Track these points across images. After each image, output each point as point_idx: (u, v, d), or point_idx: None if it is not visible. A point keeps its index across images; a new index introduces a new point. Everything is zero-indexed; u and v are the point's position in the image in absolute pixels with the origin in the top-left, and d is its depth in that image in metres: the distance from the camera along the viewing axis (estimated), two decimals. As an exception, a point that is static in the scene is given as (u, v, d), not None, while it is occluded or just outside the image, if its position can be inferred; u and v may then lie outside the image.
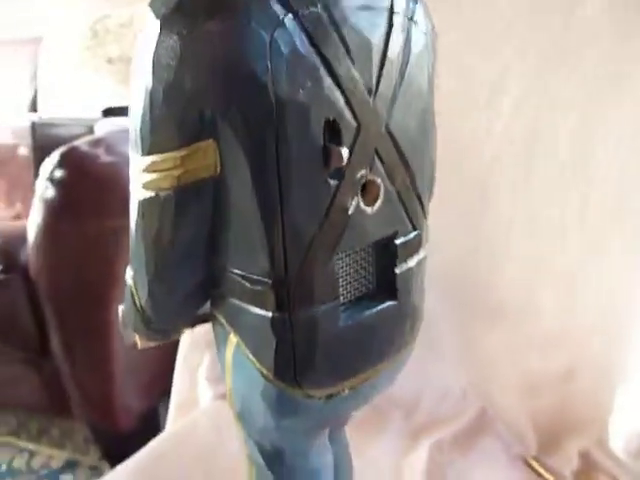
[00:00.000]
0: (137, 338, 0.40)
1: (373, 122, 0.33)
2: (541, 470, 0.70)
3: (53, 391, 1.10)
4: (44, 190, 0.95)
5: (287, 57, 0.29)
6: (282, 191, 0.30)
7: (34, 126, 1.16)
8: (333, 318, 0.34)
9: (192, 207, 0.31)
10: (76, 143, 0.97)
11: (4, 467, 1.17)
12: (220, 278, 0.34)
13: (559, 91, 0.70)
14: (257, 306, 0.33)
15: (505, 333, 0.77)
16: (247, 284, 0.33)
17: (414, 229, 0.37)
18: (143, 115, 0.30)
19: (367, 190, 0.34)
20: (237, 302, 0.34)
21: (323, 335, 0.33)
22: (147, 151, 0.31)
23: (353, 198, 0.33)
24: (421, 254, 0.39)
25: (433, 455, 0.72)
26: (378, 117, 0.33)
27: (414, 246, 0.38)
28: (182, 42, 0.28)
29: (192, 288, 0.34)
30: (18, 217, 1.23)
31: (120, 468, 0.71)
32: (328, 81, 0.30)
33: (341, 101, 0.31)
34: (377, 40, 0.32)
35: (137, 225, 0.33)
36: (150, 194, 0.31)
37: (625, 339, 0.72)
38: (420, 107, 0.36)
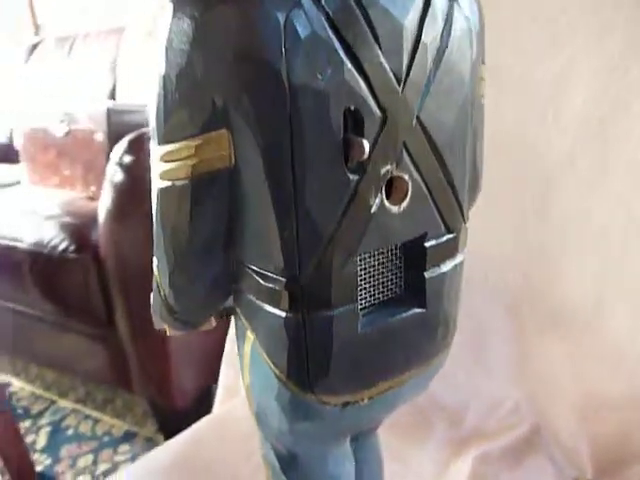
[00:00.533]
0: (166, 326, 0.40)
1: (401, 113, 0.30)
2: (596, 498, 0.64)
3: (118, 365, 1.16)
4: (113, 174, 1.00)
5: (304, 41, 0.27)
6: (296, 185, 0.28)
7: (109, 112, 1.21)
8: (351, 322, 0.32)
9: (208, 198, 0.30)
10: (144, 130, 1.00)
11: (71, 431, 1.25)
12: (238, 273, 0.33)
13: (636, 85, 0.63)
14: (271, 304, 0.32)
15: (566, 346, 0.72)
16: (262, 281, 0.31)
17: (448, 231, 0.34)
18: (158, 103, 0.30)
19: (393, 187, 0.31)
20: (253, 299, 0.33)
21: (339, 340, 0.32)
22: (162, 140, 0.30)
23: (376, 195, 0.30)
24: (457, 259, 0.36)
25: (477, 468, 0.69)
26: (407, 107, 0.30)
27: (448, 250, 0.35)
28: (194, 26, 0.27)
29: (212, 281, 0.34)
30: (92, 199, 1.30)
31: (163, 447, 0.74)
32: (350, 67, 0.28)
33: (364, 89, 0.28)
34: (410, 22, 0.29)
35: (157, 215, 0.32)
36: (167, 184, 0.31)
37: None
38: (460, 98, 0.33)
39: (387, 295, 0.35)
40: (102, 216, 1.04)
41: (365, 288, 0.33)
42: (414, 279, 0.34)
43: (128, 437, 1.24)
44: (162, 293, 0.35)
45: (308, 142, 0.28)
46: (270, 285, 0.31)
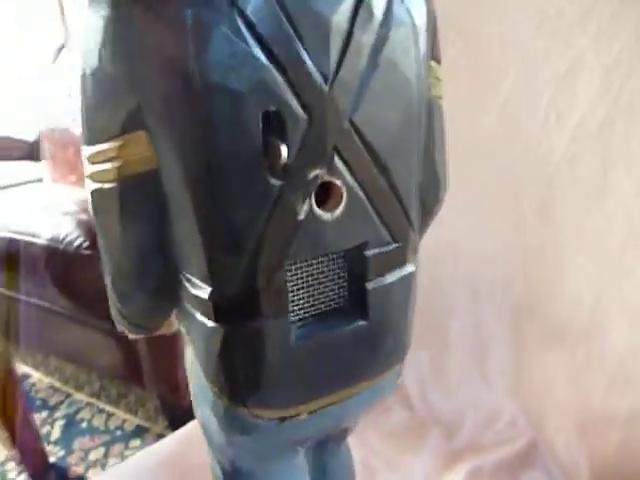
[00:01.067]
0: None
1: (330, 115, 0.28)
2: (594, 518, 0.61)
3: (130, 361, 1.18)
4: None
5: (214, 39, 0.25)
6: (214, 190, 0.27)
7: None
8: (284, 335, 0.30)
9: (136, 202, 0.29)
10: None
11: (85, 424, 1.28)
12: (176, 280, 0.32)
13: (639, 87, 0.59)
14: (201, 313, 0.30)
15: (565, 358, 0.68)
16: (191, 289, 0.30)
17: (394, 240, 0.32)
18: (81, 103, 0.29)
19: (325, 193, 0.29)
20: (188, 306, 0.32)
21: (272, 352, 0.30)
22: (88, 140, 0.29)
23: (304, 202, 0.28)
24: (406, 269, 0.33)
25: (469, 481, 0.66)
26: (337, 109, 0.28)
27: (394, 260, 0.32)
28: (105, 24, 0.26)
29: (154, 286, 0.33)
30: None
31: (152, 448, 0.74)
32: (268, 66, 0.26)
33: (285, 90, 0.26)
34: (339, 18, 0.27)
35: (93, 217, 0.32)
36: (97, 186, 0.30)
37: None
38: (405, 99, 0.30)
39: (329, 306, 0.33)
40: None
41: (303, 298, 0.31)
42: (356, 290, 0.32)
43: (139, 432, 1.25)
44: (110, 296, 0.35)
45: (225, 145, 0.26)
46: (198, 294, 0.30)
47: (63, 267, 1.19)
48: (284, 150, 0.26)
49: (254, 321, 0.29)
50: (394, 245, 0.32)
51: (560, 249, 0.68)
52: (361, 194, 0.30)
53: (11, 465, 1.17)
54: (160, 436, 1.24)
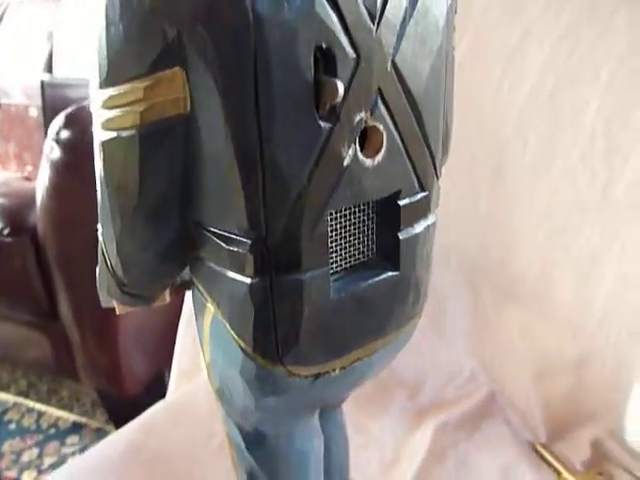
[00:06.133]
0: (114, 302, 0.37)
1: (376, 55, 0.27)
2: (550, 458, 0.66)
3: (62, 354, 1.11)
4: (50, 151, 0.94)
5: None
6: (262, 132, 0.25)
7: (43, 86, 1.13)
8: (323, 288, 0.29)
9: (160, 151, 0.27)
10: (83, 104, 0.94)
11: (14, 425, 1.19)
12: (196, 237, 0.30)
13: (589, 57, 0.64)
14: (234, 270, 0.29)
15: (519, 314, 0.73)
16: (223, 244, 0.29)
17: (422, 189, 0.32)
18: (100, 38, 0.26)
19: (368, 138, 0.29)
20: (214, 266, 0.30)
21: (310, 306, 0.29)
22: (105, 82, 0.26)
23: (350, 146, 0.28)
24: (430, 219, 0.34)
25: (437, 437, 0.70)
26: (382, 49, 0.27)
27: (421, 209, 0.33)
28: None
29: (165, 247, 0.31)
30: (28, 179, 1.22)
31: (112, 437, 0.70)
32: None
33: (337, 25, 0.25)
34: None
35: (100, 172, 0.29)
36: (111, 135, 0.27)
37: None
38: (435, 45, 0.30)
39: (359, 258, 0.32)
40: (39, 196, 0.97)
41: (336, 251, 0.31)
42: (387, 241, 0.32)
43: (76, 428, 1.19)
44: (109, 264, 0.32)
45: (275, 83, 0.25)
46: (233, 248, 0.28)
47: (-20, 256, 1.09)
48: (340, 87, 0.25)
49: (295, 274, 0.28)
50: (422, 194, 0.32)
51: (511, 215, 0.73)
52: (398, 140, 0.30)
53: None
54: (99, 430, 1.18)
